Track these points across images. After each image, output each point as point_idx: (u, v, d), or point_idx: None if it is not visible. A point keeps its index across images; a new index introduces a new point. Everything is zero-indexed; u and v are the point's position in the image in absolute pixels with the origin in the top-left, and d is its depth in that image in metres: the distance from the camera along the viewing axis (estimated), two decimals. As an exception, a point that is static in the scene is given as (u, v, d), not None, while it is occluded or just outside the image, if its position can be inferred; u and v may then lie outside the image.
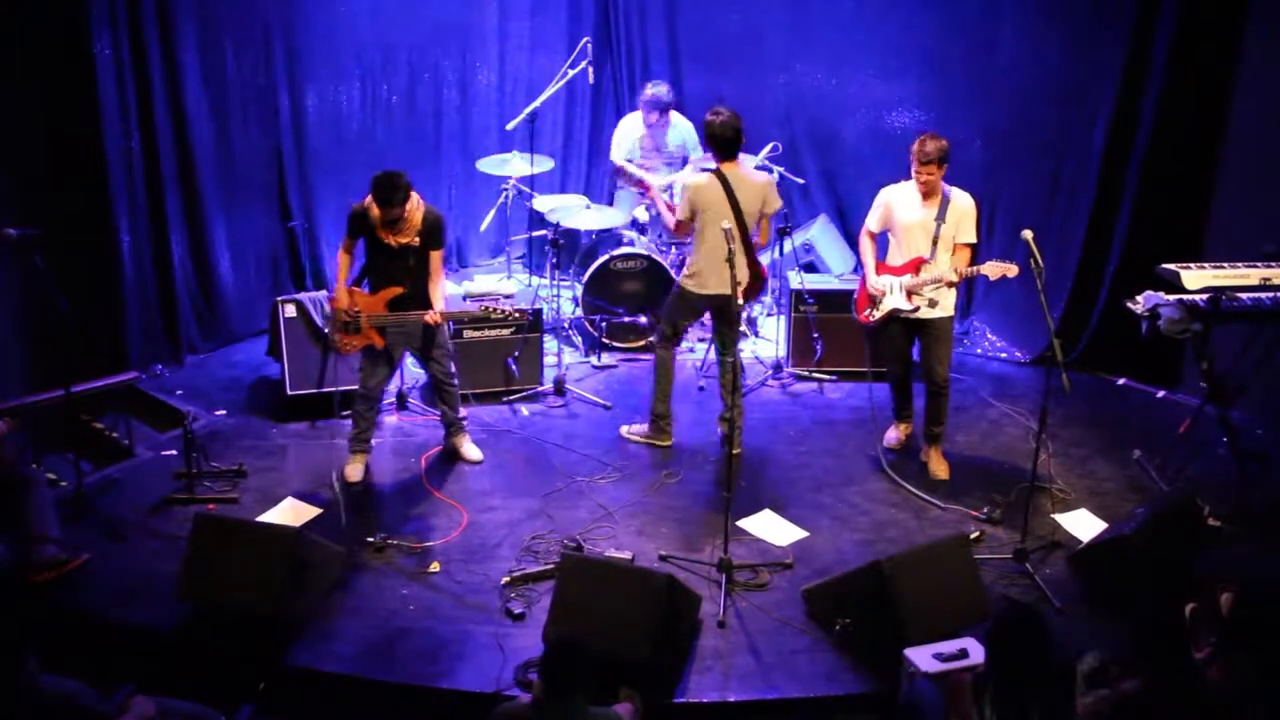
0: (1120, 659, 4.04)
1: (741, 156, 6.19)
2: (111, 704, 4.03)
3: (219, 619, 5.02)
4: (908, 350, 6.40)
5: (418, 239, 5.86)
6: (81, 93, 6.69)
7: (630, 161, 7.96)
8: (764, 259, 8.09)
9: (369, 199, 5.81)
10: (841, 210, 8.81)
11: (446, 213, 8.95)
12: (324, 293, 6.34)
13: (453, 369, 6.31)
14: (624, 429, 6.71)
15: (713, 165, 6.12)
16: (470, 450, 6.44)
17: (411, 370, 7.12)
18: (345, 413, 6.45)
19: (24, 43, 6.47)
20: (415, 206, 5.85)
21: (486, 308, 6.29)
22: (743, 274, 6.04)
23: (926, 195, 6.03)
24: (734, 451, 6.46)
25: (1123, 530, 5.33)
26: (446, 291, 6.25)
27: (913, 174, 5.97)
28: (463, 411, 6.46)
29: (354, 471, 6.21)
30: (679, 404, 7.18)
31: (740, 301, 5.93)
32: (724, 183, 6.01)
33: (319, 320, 6.74)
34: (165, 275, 7.37)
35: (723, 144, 6.03)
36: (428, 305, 5.98)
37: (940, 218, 6.02)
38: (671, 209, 6.54)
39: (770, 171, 7.68)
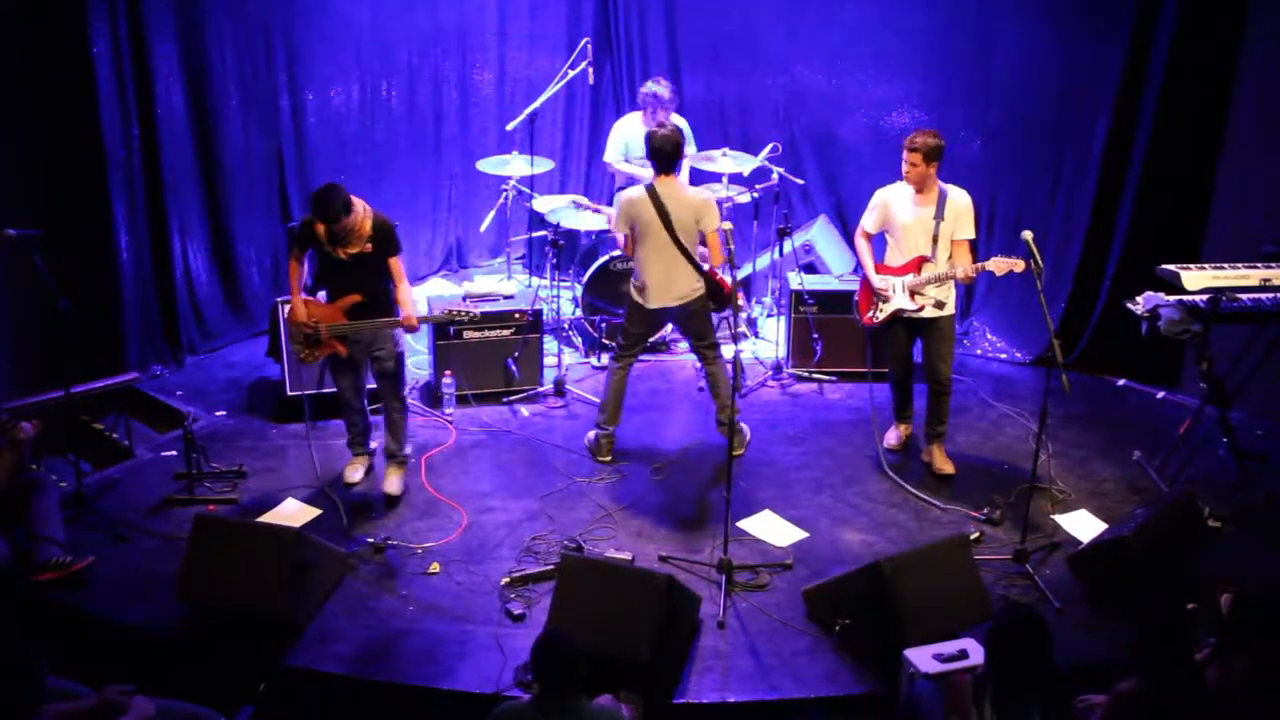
0: (1120, 659, 4.04)
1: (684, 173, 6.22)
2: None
3: (219, 619, 5.02)
4: (910, 350, 6.40)
5: (369, 246, 5.72)
6: (81, 93, 6.69)
7: (627, 161, 7.95)
8: (745, 270, 8.16)
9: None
10: (841, 210, 8.80)
11: (447, 213, 9.04)
12: (322, 294, 6.31)
13: (404, 395, 6.19)
14: (588, 435, 6.65)
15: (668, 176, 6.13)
16: (392, 484, 6.08)
17: (412, 371, 7.11)
18: (320, 423, 6.50)
19: (23, 43, 6.47)
20: (364, 215, 5.70)
21: (450, 311, 6.06)
22: (686, 285, 6.13)
23: (922, 193, 6.03)
24: (735, 453, 6.47)
25: (1122, 531, 5.33)
26: (422, 293, 6.16)
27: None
28: (408, 449, 6.22)
29: (352, 473, 6.19)
30: (679, 403, 7.20)
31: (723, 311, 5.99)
32: (654, 197, 6.02)
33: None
34: (165, 276, 7.37)
35: (660, 157, 6.04)
36: (388, 313, 5.87)
37: (939, 215, 6.02)
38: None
39: (770, 172, 7.70)
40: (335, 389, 6.16)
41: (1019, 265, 5.84)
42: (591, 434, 6.56)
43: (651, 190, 6.06)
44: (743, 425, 6.64)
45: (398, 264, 5.87)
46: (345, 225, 5.63)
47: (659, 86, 7.63)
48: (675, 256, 6.07)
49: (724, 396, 6.37)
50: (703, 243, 6.16)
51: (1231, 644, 3.99)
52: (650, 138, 6.09)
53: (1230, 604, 4.12)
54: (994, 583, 5.34)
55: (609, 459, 6.45)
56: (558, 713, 3.86)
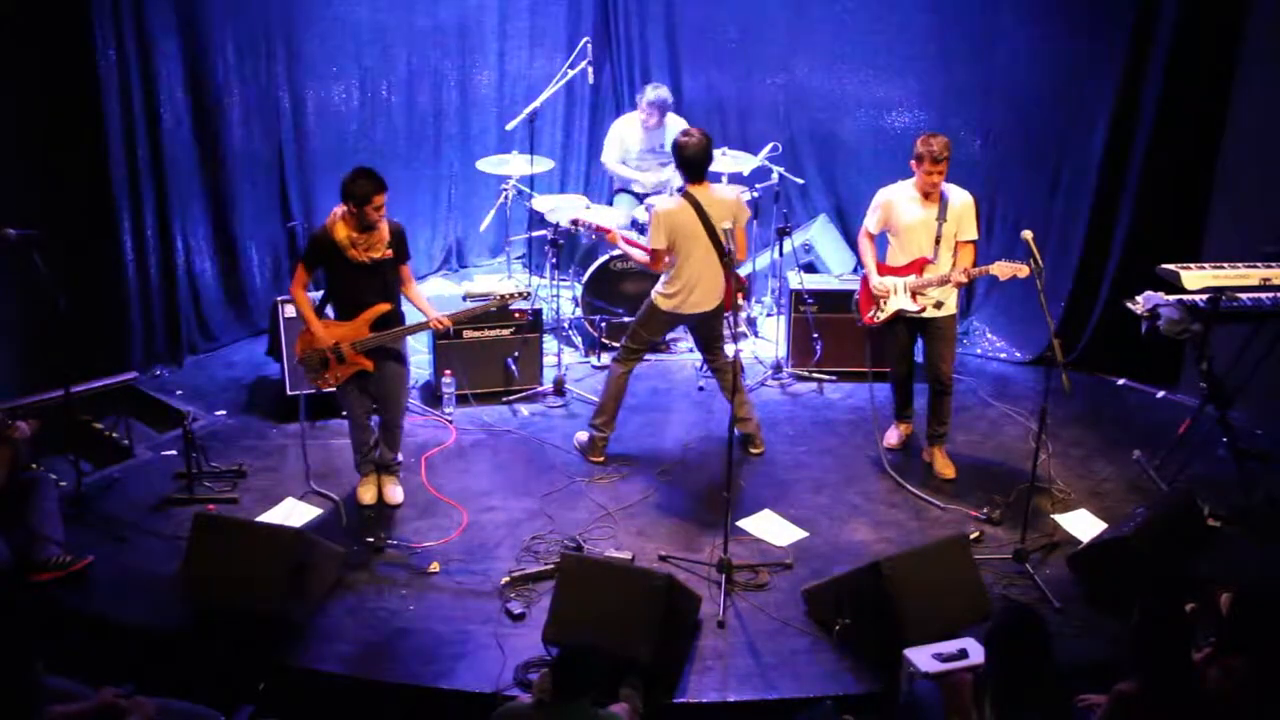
0: (1120, 659, 4.04)
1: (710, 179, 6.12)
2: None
3: (219, 619, 5.02)
4: (911, 350, 6.39)
5: (390, 251, 5.67)
6: (84, 93, 6.69)
7: (624, 164, 7.96)
8: (745, 269, 8.17)
9: (330, 221, 5.59)
10: (841, 210, 8.81)
11: (446, 213, 9.05)
12: (322, 293, 6.29)
13: (405, 408, 6.14)
14: (578, 435, 6.65)
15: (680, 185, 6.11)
16: (393, 493, 6.04)
17: (413, 370, 7.09)
18: (319, 422, 6.43)
19: (26, 43, 6.47)
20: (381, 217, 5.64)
21: (501, 296, 6.03)
22: (721, 288, 6.09)
23: (927, 194, 6.02)
24: (755, 451, 6.45)
25: (1122, 531, 5.34)
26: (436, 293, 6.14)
27: (919, 173, 5.94)
28: (399, 458, 6.12)
29: (367, 494, 6.01)
30: (679, 403, 7.20)
31: (726, 310, 5.98)
32: (695, 204, 5.97)
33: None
34: (166, 275, 7.38)
35: (693, 166, 5.98)
36: (403, 319, 5.86)
37: (941, 216, 6.01)
38: (639, 245, 6.38)
39: (770, 172, 7.70)
40: (346, 410, 5.96)
41: (1023, 270, 5.81)
42: (584, 434, 6.54)
43: (689, 197, 5.98)
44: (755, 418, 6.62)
45: (407, 270, 5.85)
46: (379, 209, 5.50)
47: (655, 91, 7.65)
48: (716, 261, 6.03)
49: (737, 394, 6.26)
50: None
51: (1231, 644, 3.99)
52: (680, 147, 5.98)
53: (1230, 604, 4.11)
54: (994, 582, 5.34)
55: (602, 459, 6.45)
56: (562, 715, 3.86)
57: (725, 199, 6.07)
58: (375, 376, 5.81)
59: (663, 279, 6.15)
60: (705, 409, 7.06)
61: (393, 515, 5.94)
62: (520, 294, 6.03)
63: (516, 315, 7.10)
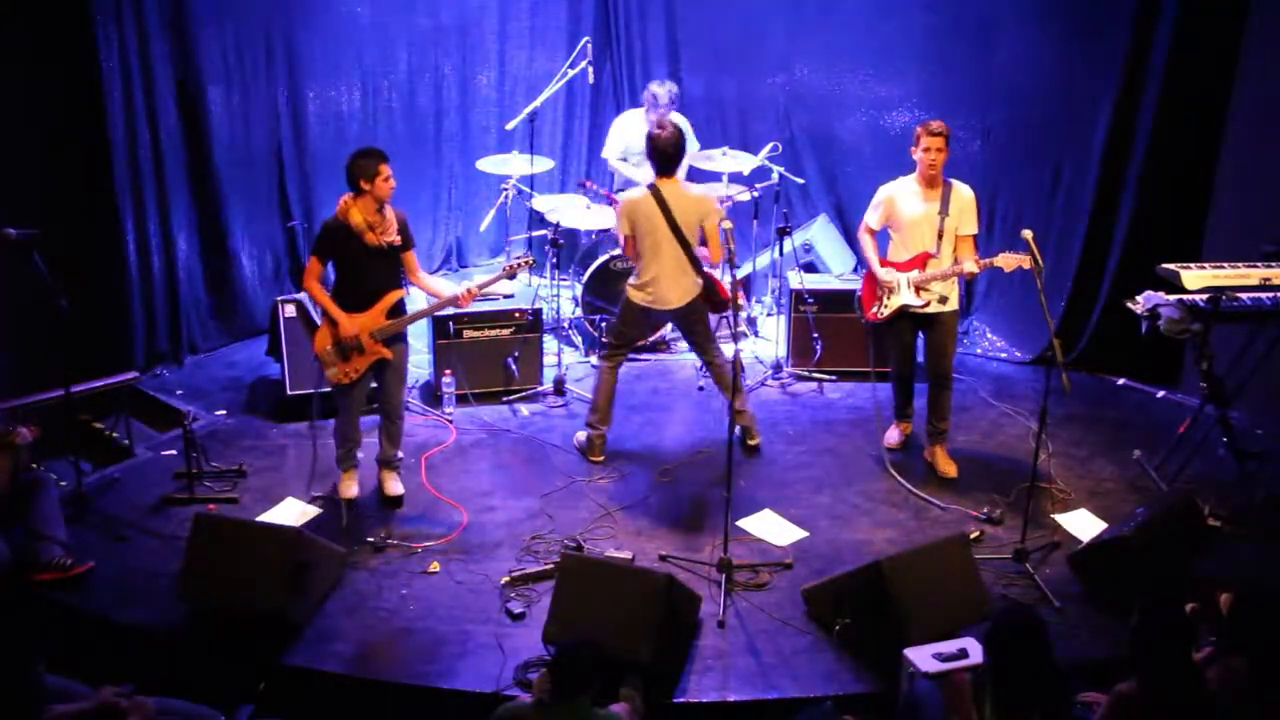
0: (1120, 659, 4.04)
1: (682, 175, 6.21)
2: None
3: (219, 619, 5.03)
4: (914, 348, 6.38)
5: (399, 238, 5.71)
6: (86, 93, 6.70)
7: (625, 161, 7.96)
8: (745, 269, 8.17)
9: (342, 209, 5.60)
10: (841, 210, 8.80)
11: (447, 213, 9.04)
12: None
13: (405, 402, 6.14)
14: (577, 434, 6.65)
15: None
16: (394, 486, 6.05)
17: (413, 370, 7.10)
18: (320, 421, 6.40)
19: (29, 43, 6.47)
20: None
21: (511, 264, 5.99)
22: (688, 285, 6.12)
23: (929, 186, 6.02)
24: (752, 442, 6.46)
25: (1122, 530, 5.34)
26: (420, 293, 6.12)
27: (919, 154, 5.96)
28: (400, 453, 6.13)
29: (350, 489, 6.01)
30: (679, 402, 7.20)
31: (725, 311, 5.99)
32: (658, 197, 6.02)
33: (318, 320, 6.71)
34: (168, 275, 7.38)
35: (662, 158, 6.04)
36: (404, 311, 5.86)
37: (944, 211, 6.01)
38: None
39: (770, 172, 7.70)
40: (344, 404, 5.91)
41: (1027, 261, 5.80)
42: (582, 434, 6.55)
43: (654, 190, 6.06)
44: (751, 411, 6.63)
45: (414, 257, 5.86)
46: (387, 180, 5.56)
47: (660, 88, 7.63)
48: (679, 257, 6.07)
49: (731, 389, 6.27)
50: (702, 241, 6.16)
51: (1231, 644, 3.99)
52: (652, 140, 6.08)
53: (1230, 604, 4.12)
54: (994, 582, 5.34)
55: (601, 459, 6.45)
56: (562, 714, 3.86)
57: (691, 196, 6.12)
58: (388, 365, 5.82)
59: (634, 273, 6.19)
60: (705, 409, 7.06)
61: (393, 515, 5.94)
62: (527, 262, 6.02)
63: (516, 315, 7.10)
